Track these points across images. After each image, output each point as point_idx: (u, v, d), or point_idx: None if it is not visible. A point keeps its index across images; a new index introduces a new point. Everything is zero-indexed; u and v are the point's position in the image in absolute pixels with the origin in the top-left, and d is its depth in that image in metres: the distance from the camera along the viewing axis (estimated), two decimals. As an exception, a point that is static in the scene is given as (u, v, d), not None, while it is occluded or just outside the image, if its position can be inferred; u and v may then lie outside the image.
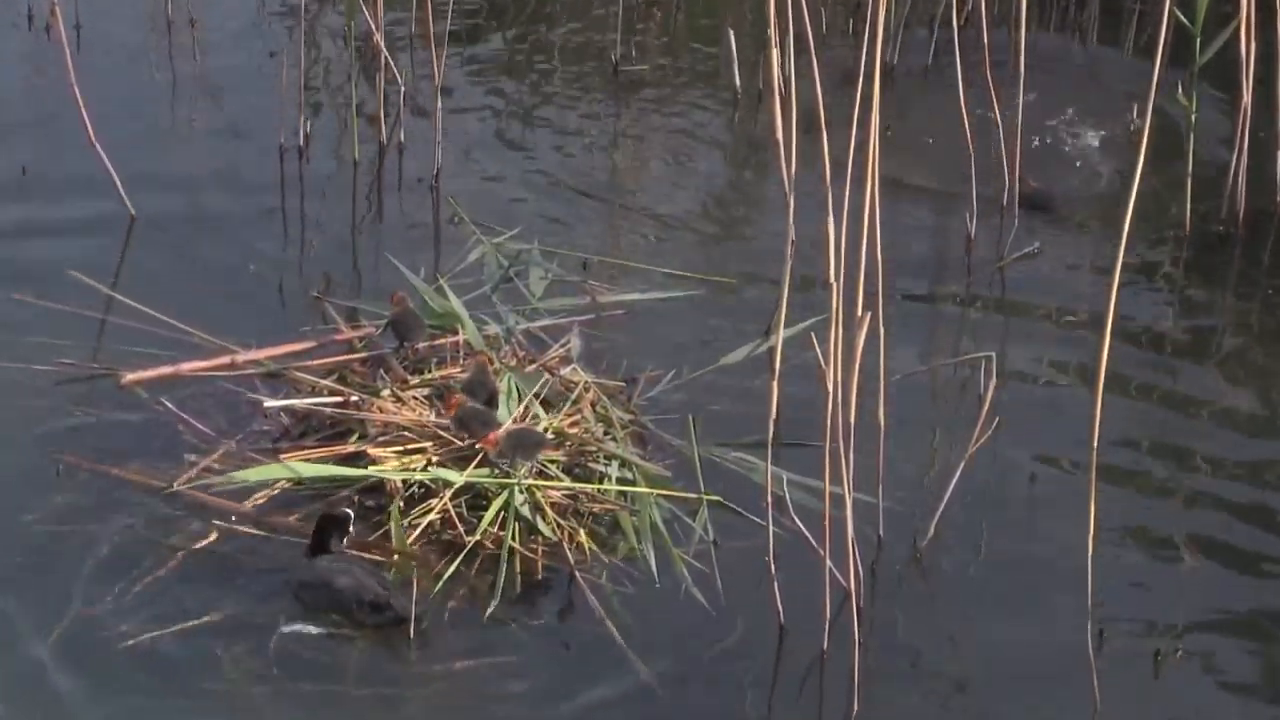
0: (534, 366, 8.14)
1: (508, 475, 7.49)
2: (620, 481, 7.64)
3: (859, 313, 6.83)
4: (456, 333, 8.32)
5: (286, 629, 7.03)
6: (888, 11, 8.14)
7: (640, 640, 7.04)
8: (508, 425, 7.65)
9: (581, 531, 7.50)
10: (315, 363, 8.29)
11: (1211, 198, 9.80)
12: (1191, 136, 9.57)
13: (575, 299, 8.81)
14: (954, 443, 7.90)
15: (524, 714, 6.81)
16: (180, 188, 9.97)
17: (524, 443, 7.52)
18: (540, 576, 7.37)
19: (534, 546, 7.44)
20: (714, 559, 7.38)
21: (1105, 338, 6.63)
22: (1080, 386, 8.51)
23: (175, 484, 7.56)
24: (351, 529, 7.24)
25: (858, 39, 6.73)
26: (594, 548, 7.45)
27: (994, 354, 7.87)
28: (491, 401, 7.80)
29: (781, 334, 7.09)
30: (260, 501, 7.55)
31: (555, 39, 11.70)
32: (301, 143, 10.23)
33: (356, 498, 7.60)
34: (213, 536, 7.41)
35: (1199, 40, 9.39)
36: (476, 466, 7.54)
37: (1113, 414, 7.89)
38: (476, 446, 7.56)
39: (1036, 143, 10.24)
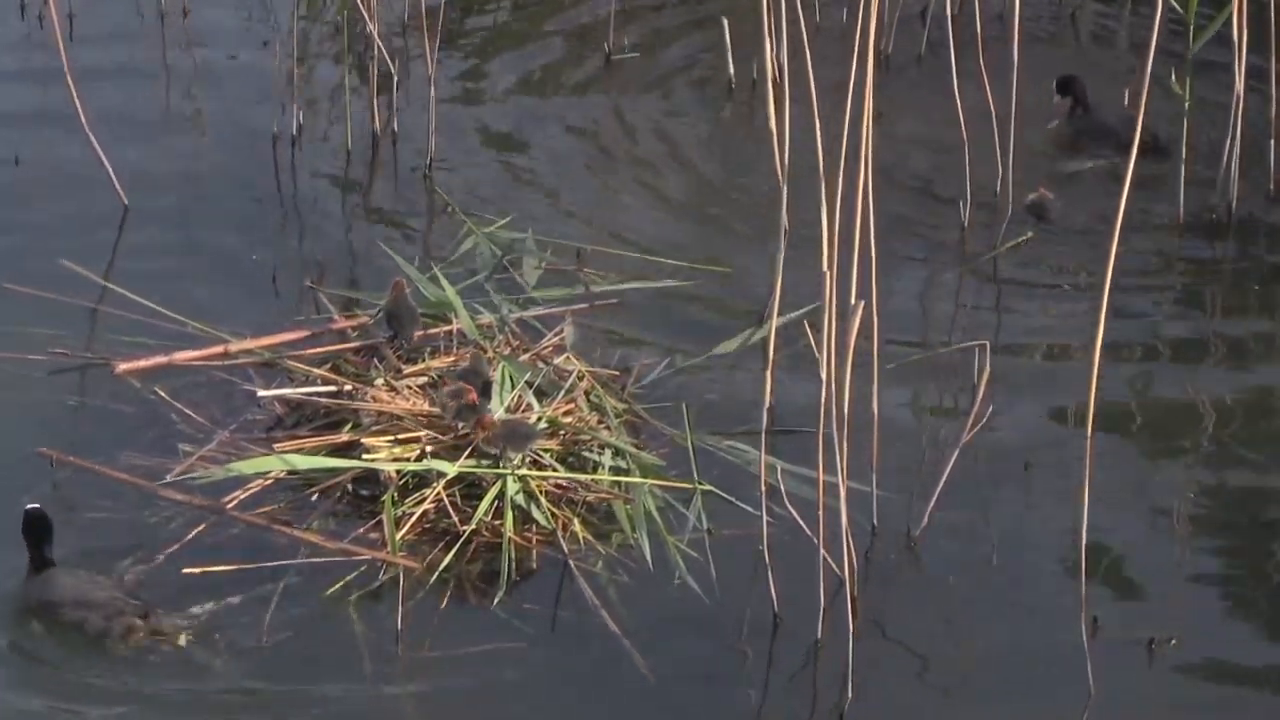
0: (528, 355, 8.14)
1: (499, 463, 7.49)
2: (615, 470, 7.64)
3: (853, 301, 6.83)
4: (451, 322, 8.32)
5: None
6: (881, -1, 8.12)
7: (634, 629, 7.05)
8: (500, 415, 7.65)
9: (576, 520, 7.50)
10: (309, 352, 8.29)
11: (1205, 185, 9.79)
12: (1185, 124, 9.56)
13: (569, 288, 8.80)
14: (948, 431, 7.91)
15: (517, 703, 6.82)
16: (173, 177, 9.96)
17: (515, 434, 7.52)
18: (535, 565, 7.37)
19: (529, 535, 7.45)
20: (708, 548, 7.38)
21: (1099, 326, 6.63)
22: (1074, 374, 8.50)
23: (169, 476, 7.56)
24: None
25: (853, 26, 6.72)
26: (589, 537, 7.46)
27: (987, 342, 7.87)
28: (486, 391, 7.80)
29: (775, 322, 7.09)
30: (253, 490, 7.55)
31: (549, 27, 11.67)
32: (295, 132, 10.22)
33: (351, 486, 7.61)
34: (204, 526, 7.42)
35: (1192, 27, 9.38)
36: (470, 456, 7.54)
37: (1107, 402, 7.91)
38: (468, 424, 7.55)
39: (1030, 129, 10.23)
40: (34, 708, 6.73)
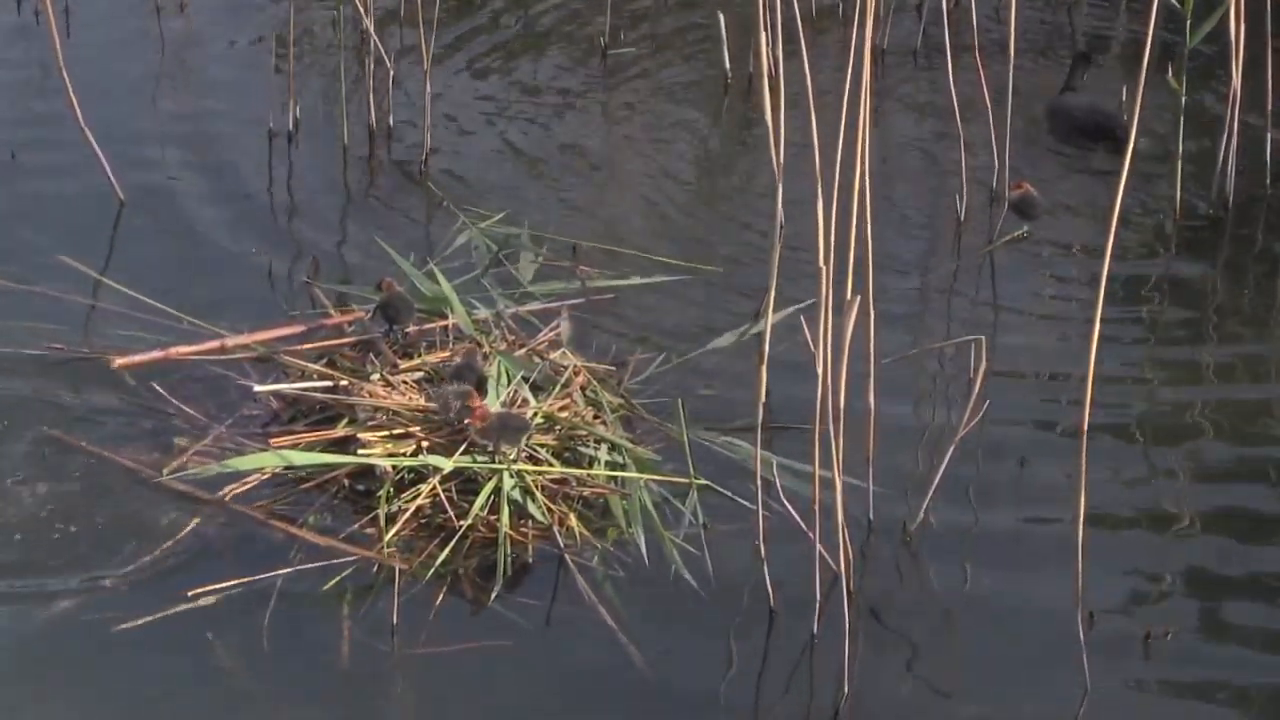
0: (524, 350, 8.13)
1: (493, 458, 7.49)
2: (611, 465, 7.64)
3: (848, 296, 6.83)
4: (446, 317, 8.32)
5: None
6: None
7: (630, 623, 7.04)
8: (495, 408, 7.65)
9: (572, 515, 7.50)
10: (305, 347, 8.29)
11: (1201, 181, 9.80)
12: (1181, 120, 9.56)
13: (565, 283, 8.80)
14: (944, 425, 7.90)
15: (513, 697, 6.81)
16: (169, 172, 9.96)
17: (508, 427, 7.52)
18: (531, 560, 7.37)
19: (524, 530, 7.44)
20: (704, 542, 7.38)
21: (1095, 321, 6.63)
22: (1069, 369, 8.52)
23: (165, 471, 7.56)
24: None
25: (848, 21, 6.72)
26: (585, 532, 7.45)
27: (983, 337, 7.86)
28: (480, 386, 7.80)
29: (771, 318, 7.09)
30: (249, 485, 7.55)
31: (544, 21, 11.68)
32: (291, 126, 10.22)
33: (347, 482, 7.61)
34: (200, 521, 7.41)
35: (1189, 23, 9.38)
36: (465, 451, 7.54)
37: (1103, 396, 7.92)
38: (465, 421, 7.54)
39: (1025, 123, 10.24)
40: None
